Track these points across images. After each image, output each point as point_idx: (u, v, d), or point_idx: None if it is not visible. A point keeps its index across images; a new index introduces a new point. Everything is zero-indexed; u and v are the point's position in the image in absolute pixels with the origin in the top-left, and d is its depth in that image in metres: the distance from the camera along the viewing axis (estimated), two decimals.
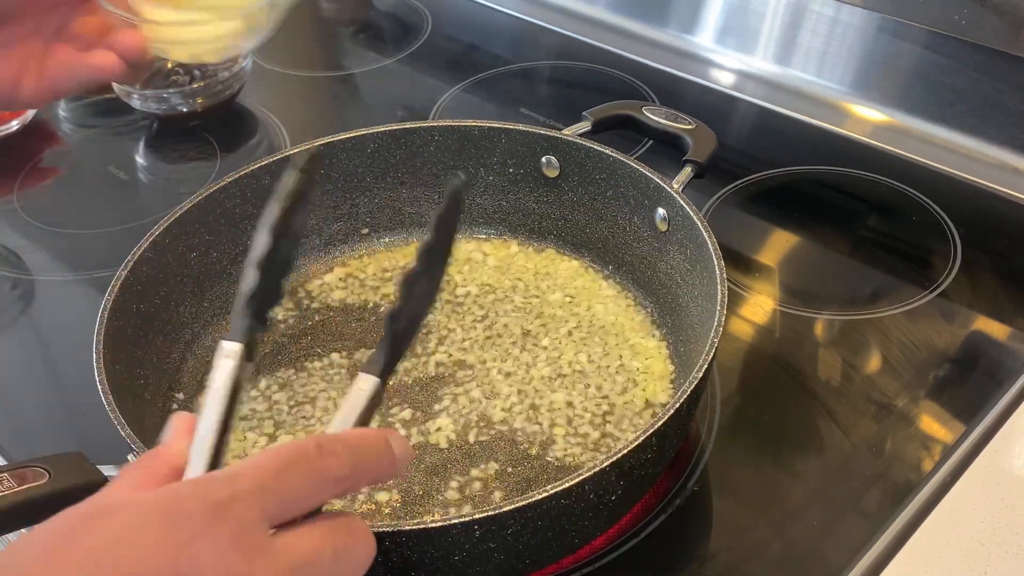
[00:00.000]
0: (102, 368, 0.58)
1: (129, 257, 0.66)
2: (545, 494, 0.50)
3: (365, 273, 0.79)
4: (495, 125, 0.76)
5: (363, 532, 0.42)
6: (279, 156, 0.74)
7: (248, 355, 0.44)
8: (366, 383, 0.44)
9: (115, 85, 0.97)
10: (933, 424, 0.68)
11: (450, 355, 0.71)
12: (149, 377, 0.66)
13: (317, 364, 0.71)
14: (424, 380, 0.69)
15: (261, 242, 0.44)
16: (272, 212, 0.44)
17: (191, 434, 0.43)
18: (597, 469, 0.51)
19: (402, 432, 0.66)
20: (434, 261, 0.46)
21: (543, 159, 0.76)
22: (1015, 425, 0.66)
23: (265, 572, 0.36)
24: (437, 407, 0.67)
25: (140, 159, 0.99)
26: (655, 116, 0.77)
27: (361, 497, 0.62)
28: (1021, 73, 0.86)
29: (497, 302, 0.75)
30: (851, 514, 0.62)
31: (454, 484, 0.62)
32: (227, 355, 0.44)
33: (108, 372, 0.58)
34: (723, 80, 1.02)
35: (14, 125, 1.00)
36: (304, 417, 0.67)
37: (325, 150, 0.76)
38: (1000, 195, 0.86)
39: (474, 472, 0.63)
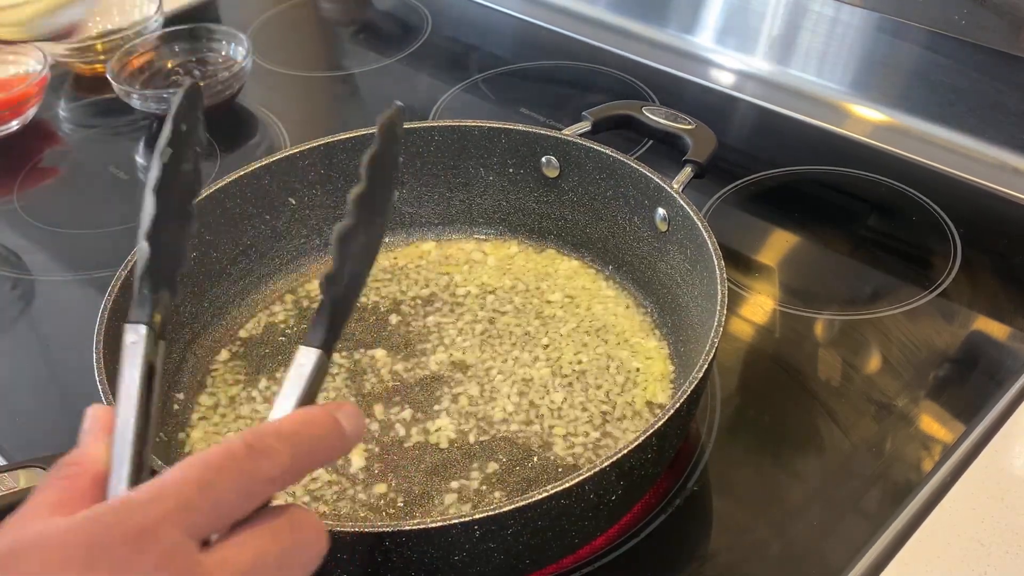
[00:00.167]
0: (102, 368, 0.58)
1: (129, 257, 0.65)
2: (545, 494, 0.50)
3: None
4: (495, 125, 0.76)
5: (311, 526, 0.38)
6: (279, 156, 0.75)
7: (159, 333, 0.41)
8: (306, 357, 0.41)
9: (115, 85, 0.97)
10: (933, 424, 0.68)
11: (450, 355, 0.71)
12: None
13: None
14: (424, 380, 0.69)
15: (147, 209, 0.40)
16: (154, 169, 0.41)
17: (110, 431, 0.40)
18: (597, 469, 0.51)
19: (402, 432, 0.66)
20: (370, 211, 0.41)
21: (543, 159, 0.76)
22: (1015, 425, 0.66)
23: None
24: (437, 407, 0.67)
25: (140, 159, 0.99)
26: (655, 116, 0.77)
27: (362, 496, 0.62)
28: (1021, 73, 0.86)
29: (497, 302, 0.75)
30: (851, 514, 0.62)
31: (454, 484, 0.62)
32: (132, 340, 0.41)
33: (108, 372, 0.57)
34: (723, 80, 1.02)
35: (14, 125, 0.99)
36: None
37: (325, 150, 0.76)
38: (1000, 195, 0.86)
39: (474, 472, 0.63)
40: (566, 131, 0.76)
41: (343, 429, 0.40)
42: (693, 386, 0.55)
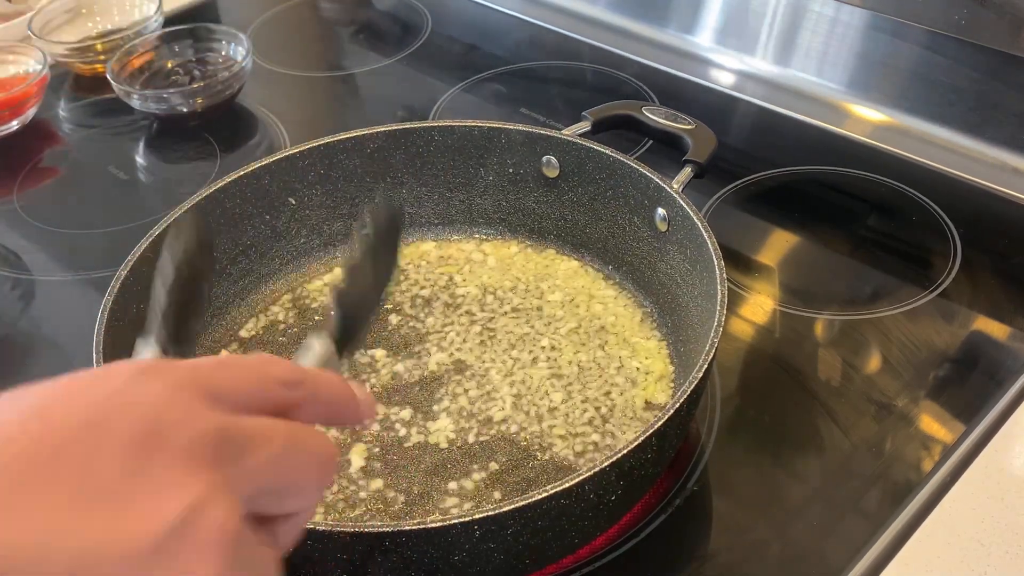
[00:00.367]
0: None
1: (129, 257, 0.66)
2: (545, 494, 0.50)
3: None
4: (495, 125, 0.76)
5: (324, 440, 0.36)
6: (279, 156, 0.75)
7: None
8: (317, 341, 0.42)
9: (115, 85, 0.97)
10: (933, 424, 0.68)
11: (450, 355, 0.71)
12: None
13: None
14: (424, 380, 0.69)
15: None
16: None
17: None
18: (597, 469, 0.51)
19: (402, 432, 0.66)
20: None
21: (543, 159, 0.76)
22: (1015, 425, 0.66)
23: (191, 415, 0.31)
24: (437, 407, 0.67)
25: (140, 159, 0.99)
26: (655, 116, 0.77)
27: (363, 494, 0.62)
28: (1021, 73, 0.86)
29: (497, 302, 0.75)
30: (851, 514, 0.62)
31: (454, 484, 0.62)
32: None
33: None
34: (723, 80, 1.02)
35: (14, 125, 0.99)
36: None
37: (325, 150, 0.76)
38: (1000, 195, 0.86)
39: (474, 472, 0.63)
40: (566, 131, 0.76)
41: (356, 397, 0.39)
42: (693, 386, 0.55)
